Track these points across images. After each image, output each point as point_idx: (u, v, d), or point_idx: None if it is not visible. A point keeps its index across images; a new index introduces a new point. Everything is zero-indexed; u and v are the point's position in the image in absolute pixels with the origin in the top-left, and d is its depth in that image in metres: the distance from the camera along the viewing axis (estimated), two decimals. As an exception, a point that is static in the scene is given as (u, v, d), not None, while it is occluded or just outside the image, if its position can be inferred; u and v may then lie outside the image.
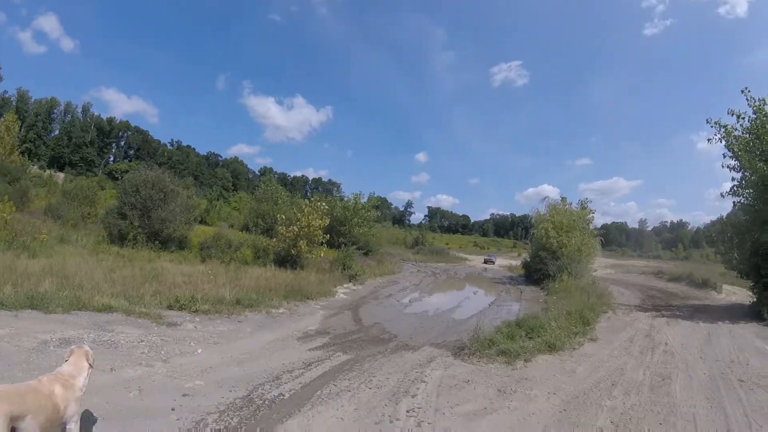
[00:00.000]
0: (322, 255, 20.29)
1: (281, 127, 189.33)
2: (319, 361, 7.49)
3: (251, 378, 6.24)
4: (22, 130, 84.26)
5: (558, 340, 8.73)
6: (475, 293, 22.77)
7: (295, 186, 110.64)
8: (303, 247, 19.29)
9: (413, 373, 6.89)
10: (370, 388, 6.09)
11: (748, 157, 14.91)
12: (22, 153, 67.52)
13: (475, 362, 7.65)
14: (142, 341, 7.49)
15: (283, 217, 20.51)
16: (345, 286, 19.19)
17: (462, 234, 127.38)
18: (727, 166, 15.99)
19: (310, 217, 19.62)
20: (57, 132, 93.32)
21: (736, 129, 15.43)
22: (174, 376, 6.01)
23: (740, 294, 20.92)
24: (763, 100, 14.64)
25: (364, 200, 38.34)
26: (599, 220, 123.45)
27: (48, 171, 72.67)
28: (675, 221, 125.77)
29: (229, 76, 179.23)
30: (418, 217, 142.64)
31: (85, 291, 9.98)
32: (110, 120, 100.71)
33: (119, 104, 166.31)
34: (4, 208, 17.68)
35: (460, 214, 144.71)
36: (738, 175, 15.88)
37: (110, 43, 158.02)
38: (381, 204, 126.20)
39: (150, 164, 27.33)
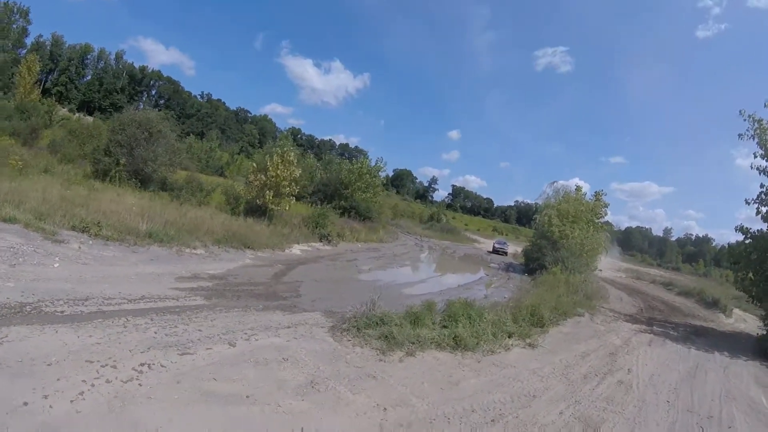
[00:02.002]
0: (288, 208, 18.69)
1: (317, 90, 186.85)
2: (164, 298, 6.85)
3: (63, 294, 5.92)
4: (55, 73, 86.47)
5: (475, 337, 6.81)
6: (454, 273, 20.76)
7: (321, 149, 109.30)
8: (269, 197, 17.71)
9: (238, 335, 5.60)
10: (154, 334, 5.12)
11: None
12: (52, 95, 69.03)
13: (345, 341, 6.06)
14: (12, 248, 7.37)
15: (254, 164, 18.96)
16: (310, 244, 17.68)
17: (483, 217, 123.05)
18: (757, 168, 13.18)
19: (279, 167, 17.95)
20: (89, 77, 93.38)
21: None
22: (1, 277, 5.94)
23: (751, 322, 18.03)
24: None
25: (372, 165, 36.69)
26: (625, 223, 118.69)
27: (77, 114, 73.57)
28: (701, 235, 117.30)
29: (268, 35, 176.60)
30: (441, 194, 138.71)
31: (5, 204, 9.75)
32: (142, 68, 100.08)
33: (156, 54, 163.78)
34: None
35: (485, 197, 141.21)
36: None
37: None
38: (405, 176, 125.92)
39: (144, 106, 26.37)
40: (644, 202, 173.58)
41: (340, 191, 33.37)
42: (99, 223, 10.30)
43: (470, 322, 7.22)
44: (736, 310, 20.34)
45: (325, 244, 18.67)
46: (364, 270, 15.02)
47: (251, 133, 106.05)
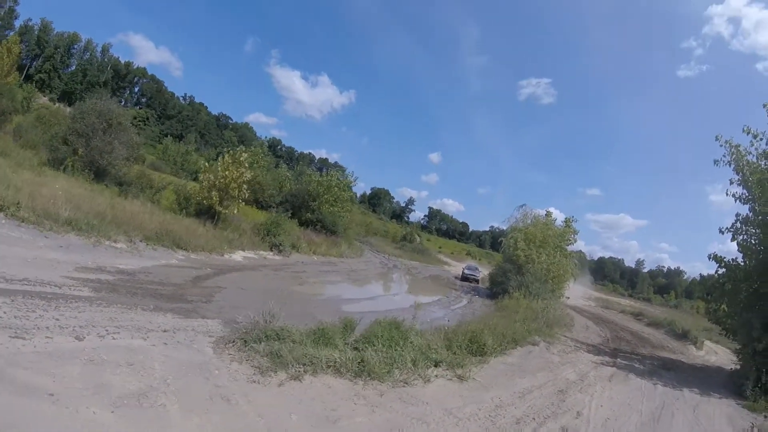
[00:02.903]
0: (235, 211, 17.50)
1: (302, 103, 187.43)
2: (47, 284, 6.24)
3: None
4: (40, 60, 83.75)
5: (387, 364, 5.68)
6: (411, 293, 19.72)
7: (301, 162, 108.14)
8: (214, 198, 16.50)
9: (97, 330, 4.87)
10: (2, 314, 4.60)
11: (761, 186, 11.69)
12: (34, 82, 66.81)
13: (226, 354, 5.09)
14: None
15: (207, 164, 17.80)
16: (258, 252, 16.46)
17: (458, 240, 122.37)
18: (733, 195, 12.70)
19: (229, 168, 16.84)
20: (73, 68, 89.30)
21: (749, 152, 12.27)
22: None
23: (722, 355, 17.41)
24: None
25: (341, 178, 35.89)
26: (599, 253, 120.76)
27: (58, 104, 71.31)
28: (673, 268, 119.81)
29: (259, 43, 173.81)
30: (418, 215, 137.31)
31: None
32: (128, 64, 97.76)
33: (146, 51, 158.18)
34: None
35: (461, 221, 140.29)
36: (746, 208, 12.62)
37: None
38: (382, 195, 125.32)
39: (104, 95, 25.47)
40: (618, 234, 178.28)
41: (307, 203, 32.46)
42: (18, 203, 9.72)
43: (391, 346, 6.13)
44: (707, 342, 19.65)
45: (276, 254, 17.48)
46: (307, 282, 13.89)
47: (230, 140, 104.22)
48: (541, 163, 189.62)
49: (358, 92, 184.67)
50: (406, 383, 5.54)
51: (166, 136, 74.38)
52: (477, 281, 31.61)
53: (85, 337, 4.55)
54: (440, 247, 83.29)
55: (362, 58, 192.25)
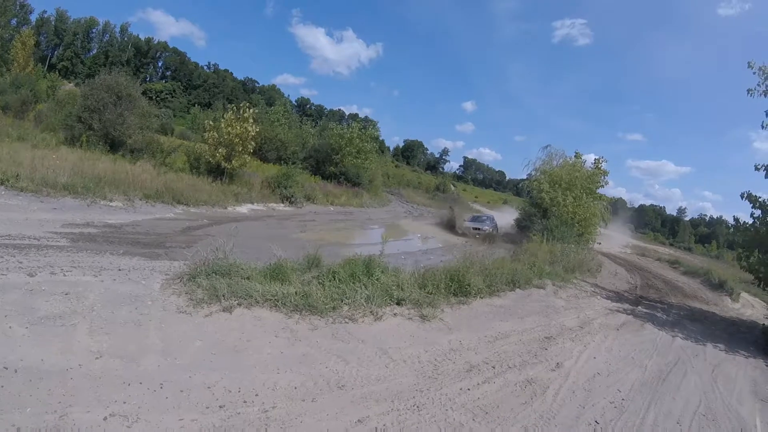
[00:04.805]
0: (239, 166, 17.47)
1: (329, 60, 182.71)
2: (27, 238, 6.46)
3: None
4: (60, 48, 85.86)
5: (335, 300, 5.42)
6: (425, 239, 19.38)
7: (330, 119, 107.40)
8: (220, 155, 16.55)
9: (52, 269, 5.10)
10: None
11: None
12: (58, 70, 68.48)
13: (170, 289, 5.13)
14: None
15: (211, 123, 17.74)
16: (267, 204, 16.64)
17: (495, 189, 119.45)
18: None
19: (233, 124, 16.79)
20: (95, 51, 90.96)
21: None
22: None
23: (759, 309, 16.07)
24: None
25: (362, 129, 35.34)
26: (641, 201, 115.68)
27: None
28: (715, 217, 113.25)
29: (279, 2, 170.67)
30: (453, 166, 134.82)
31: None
32: (148, 40, 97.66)
33: (167, 26, 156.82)
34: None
35: (497, 170, 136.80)
36: None
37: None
38: (416, 147, 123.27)
39: (117, 69, 25.61)
40: (660, 181, 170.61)
41: (330, 157, 32.51)
42: (17, 175, 10.27)
43: (350, 282, 5.94)
44: (744, 294, 18.22)
45: (287, 206, 17.61)
46: (312, 230, 13.82)
47: (258, 103, 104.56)
48: (578, 109, 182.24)
49: (385, 45, 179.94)
50: (351, 320, 5.23)
51: (194, 106, 75.30)
52: (489, 235, 22.74)
53: (36, 274, 4.79)
54: (476, 197, 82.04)
55: (386, 8, 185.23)
